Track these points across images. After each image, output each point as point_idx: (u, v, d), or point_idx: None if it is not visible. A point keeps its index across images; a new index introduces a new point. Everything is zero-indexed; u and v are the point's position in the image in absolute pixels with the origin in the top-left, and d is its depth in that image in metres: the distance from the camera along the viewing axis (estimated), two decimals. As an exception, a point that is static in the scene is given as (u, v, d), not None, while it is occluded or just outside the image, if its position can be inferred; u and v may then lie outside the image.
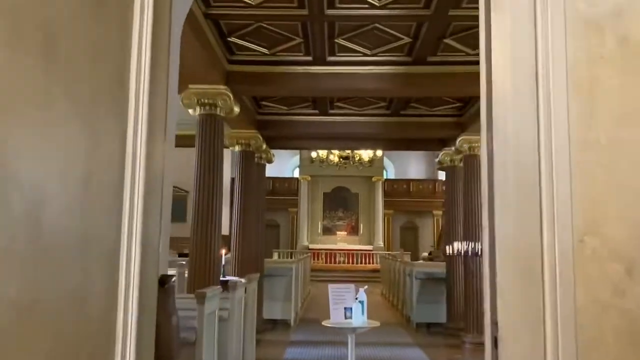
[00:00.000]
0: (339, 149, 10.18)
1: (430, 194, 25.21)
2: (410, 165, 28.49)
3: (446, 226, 8.90)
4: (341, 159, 16.40)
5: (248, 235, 8.36)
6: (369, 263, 22.47)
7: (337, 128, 8.13)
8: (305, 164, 24.32)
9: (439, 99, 7.45)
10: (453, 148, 8.26)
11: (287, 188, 25.37)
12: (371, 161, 17.11)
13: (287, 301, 9.60)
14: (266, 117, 8.23)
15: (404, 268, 10.90)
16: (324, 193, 24.78)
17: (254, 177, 8.67)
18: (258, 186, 9.25)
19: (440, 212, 24.94)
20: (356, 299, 4.24)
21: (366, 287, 4.29)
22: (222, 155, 6.46)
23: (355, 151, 15.70)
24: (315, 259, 22.66)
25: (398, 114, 7.97)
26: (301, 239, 24.12)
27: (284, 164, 28.04)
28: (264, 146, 8.66)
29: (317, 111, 7.99)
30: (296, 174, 25.42)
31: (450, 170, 8.96)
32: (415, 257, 23.59)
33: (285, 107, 7.97)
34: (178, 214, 22.24)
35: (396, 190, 25.32)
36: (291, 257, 22.30)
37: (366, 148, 12.59)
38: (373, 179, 24.36)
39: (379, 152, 16.99)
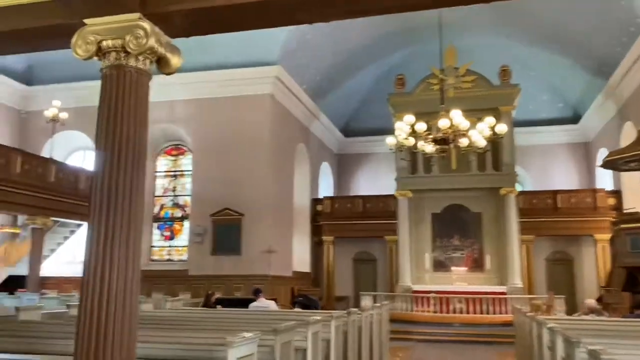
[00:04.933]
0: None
1: (589, 209, 17.47)
2: (553, 175, 20.85)
3: None
4: (437, 145, 9.99)
5: None
6: (502, 313, 15.28)
7: None
8: (404, 175, 18.01)
9: None
10: None
11: (382, 209, 19.17)
12: (495, 146, 10.39)
13: None
14: None
15: (564, 341, 4.33)
16: (432, 214, 18.11)
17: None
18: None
19: (606, 236, 17.10)
20: None
21: None
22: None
23: (460, 125, 9.22)
24: (421, 304, 16.06)
25: None
26: (403, 277, 17.58)
27: (378, 178, 21.94)
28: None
29: None
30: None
31: None
32: (572, 305, 15.94)
33: None
34: (229, 243, 16.88)
35: (537, 207, 17.95)
36: (391, 302, 15.96)
37: None
38: (501, 192, 17.25)
39: (502, 127, 10.29)
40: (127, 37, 3.52)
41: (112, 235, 3.35)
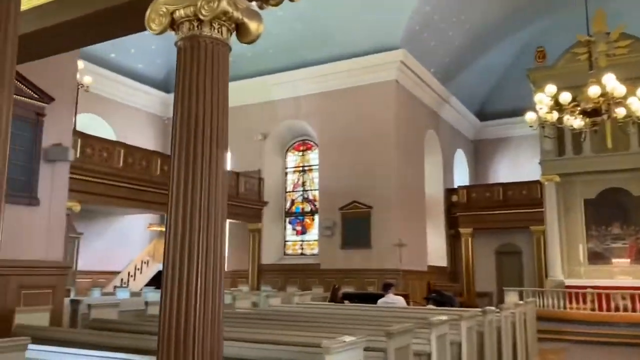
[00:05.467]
0: None
1: None
2: None
3: None
4: (586, 117, 8.57)
5: None
6: (678, 311, 13.02)
7: None
8: (549, 157, 16.21)
9: None
10: None
11: (525, 197, 17.51)
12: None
13: None
14: None
15: None
16: (585, 200, 16.09)
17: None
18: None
19: None
20: None
21: None
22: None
23: (615, 91, 7.78)
24: (575, 301, 14.28)
25: None
26: (553, 270, 15.85)
27: (519, 164, 20.13)
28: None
29: None
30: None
31: None
32: None
33: None
34: (358, 237, 16.41)
35: None
36: (540, 299, 14.60)
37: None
38: (670, 171, 14.79)
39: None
40: (199, 3, 3.22)
41: (189, 223, 3.01)
